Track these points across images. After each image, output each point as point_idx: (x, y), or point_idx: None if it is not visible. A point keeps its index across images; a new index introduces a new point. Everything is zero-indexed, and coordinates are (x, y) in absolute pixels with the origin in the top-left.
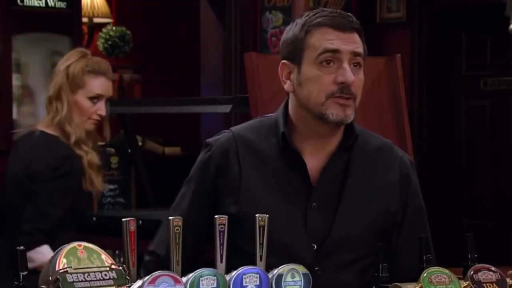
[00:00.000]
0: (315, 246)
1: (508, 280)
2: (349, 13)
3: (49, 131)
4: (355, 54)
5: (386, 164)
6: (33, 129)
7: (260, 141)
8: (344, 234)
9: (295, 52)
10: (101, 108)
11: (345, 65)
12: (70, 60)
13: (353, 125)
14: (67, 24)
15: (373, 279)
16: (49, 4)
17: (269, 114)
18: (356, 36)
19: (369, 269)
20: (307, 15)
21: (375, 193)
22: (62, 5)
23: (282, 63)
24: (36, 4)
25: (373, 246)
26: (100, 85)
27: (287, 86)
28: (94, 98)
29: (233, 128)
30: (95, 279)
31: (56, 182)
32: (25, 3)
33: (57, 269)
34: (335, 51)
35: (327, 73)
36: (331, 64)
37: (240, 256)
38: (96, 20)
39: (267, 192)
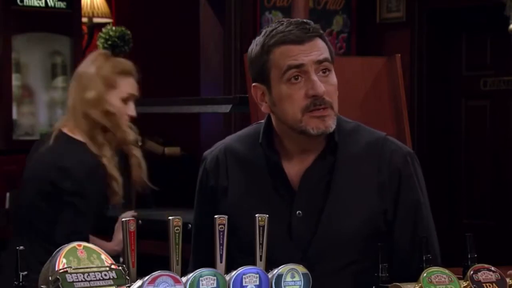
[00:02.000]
0: (301, 255)
1: (508, 280)
2: (305, 20)
3: (77, 136)
4: (320, 61)
5: (376, 161)
6: (58, 133)
7: (248, 151)
8: (329, 241)
9: (261, 74)
10: (132, 109)
11: (313, 77)
12: (97, 62)
13: (334, 131)
14: (67, 24)
15: (368, 283)
16: (49, 4)
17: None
18: (317, 43)
19: (363, 273)
20: (264, 34)
21: (362, 195)
22: (62, 5)
23: (254, 85)
24: (36, 4)
25: (364, 250)
26: (130, 84)
27: (263, 107)
28: (126, 99)
29: (227, 139)
30: (95, 279)
31: (91, 188)
32: (25, 3)
33: (57, 269)
34: (299, 66)
35: (297, 89)
36: (298, 79)
37: (230, 267)
38: (95, 20)
39: (251, 202)
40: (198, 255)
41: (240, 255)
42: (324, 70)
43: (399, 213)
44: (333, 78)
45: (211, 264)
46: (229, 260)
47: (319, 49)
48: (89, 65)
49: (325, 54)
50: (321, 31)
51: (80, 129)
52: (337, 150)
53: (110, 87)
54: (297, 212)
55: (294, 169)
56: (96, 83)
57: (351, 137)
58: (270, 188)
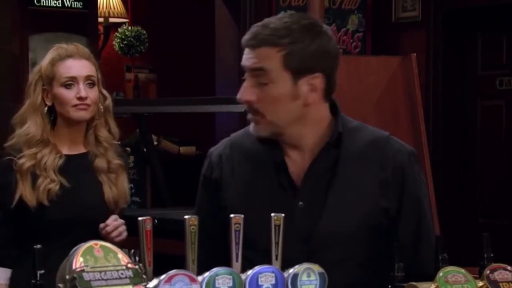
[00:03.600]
0: (300, 247)
1: None
2: (264, 24)
3: None
4: (253, 69)
5: (378, 158)
6: None
7: (253, 146)
8: (329, 233)
9: None
10: (79, 91)
11: (244, 83)
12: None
13: (338, 122)
14: (83, 24)
15: (366, 278)
16: (66, 4)
17: None
18: (259, 51)
19: (362, 268)
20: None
21: (364, 190)
22: (78, 5)
23: None
24: (52, 4)
25: (364, 244)
26: (68, 67)
27: None
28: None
29: (233, 135)
30: (111, 277)
31: None
32: (41, 3)
33: (74, 268)
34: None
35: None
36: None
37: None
38: (112, 20)
39: (255, 196)
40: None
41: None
42: (259, 83)
43: (403, 209)
44: (268, 88)
45: (213, 257)
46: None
47: (254, 57)
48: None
49: (259, 64)
50: (272, 40)
51: None
52: (341, 145)
53: (49, 79)
54: (299, 203)
55: (298, 162)
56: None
57: (355, 134)
58: (274, 182)
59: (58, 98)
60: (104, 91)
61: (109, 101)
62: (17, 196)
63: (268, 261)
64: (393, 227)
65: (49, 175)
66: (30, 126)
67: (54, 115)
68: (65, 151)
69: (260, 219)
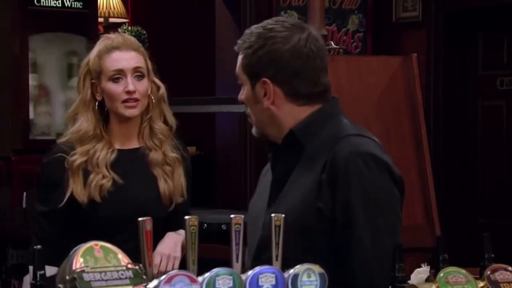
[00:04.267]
0: (256, 243)
1: None
2: (248, 32)
3: None
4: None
5: (325, 159)
6: None
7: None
8: (268, 233)
9: None
10: (128, 85)
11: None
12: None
13: (301, 122)
14: (84, 24)
15: None
16: (66, 4)
17: None
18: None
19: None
20: None
21: (304, 190)
22: (78, 5)
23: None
24: (52, 4)
25: (300, 246)
26: (114, 60)
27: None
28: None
29: None
30: (111, 278)
31: None
32: (41, 3)
33: (74, 268)
34: None
35: None
36: None
37: None
38: (112, 20)
39: (257, 197)
40: None
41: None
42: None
43: (335, 213)
44: (243, 91)
45: None
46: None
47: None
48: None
49: (236, 68)
50: (239, 45)
51: None
52: (306, 145)
53: (98, 73)
54: (271, 204)
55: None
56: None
57: (322, 136)
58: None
59: (107, 92)
60: (157, 81)
61: (162, 91)
62: (68, 194)
63: None
64: (330, 228)
65: (101, 171)
66: (82, 122)
67: (106, 109)
68: (118, 146)
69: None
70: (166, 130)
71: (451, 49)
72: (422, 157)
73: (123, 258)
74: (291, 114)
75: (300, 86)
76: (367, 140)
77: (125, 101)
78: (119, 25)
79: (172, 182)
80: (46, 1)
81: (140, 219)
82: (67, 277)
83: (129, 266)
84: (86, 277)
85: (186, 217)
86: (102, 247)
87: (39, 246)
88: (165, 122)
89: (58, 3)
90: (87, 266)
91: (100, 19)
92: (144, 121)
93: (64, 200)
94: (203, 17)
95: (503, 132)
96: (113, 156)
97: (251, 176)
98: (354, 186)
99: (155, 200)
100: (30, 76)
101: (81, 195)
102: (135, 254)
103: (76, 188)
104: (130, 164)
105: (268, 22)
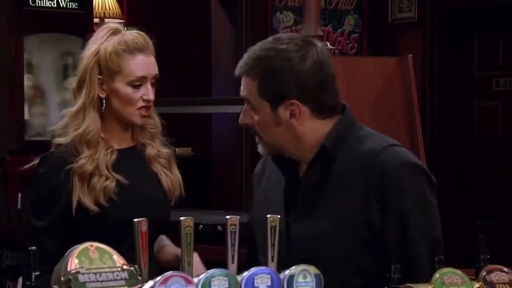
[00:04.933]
0: (285, 251)
1: None
2: (250, 50)
3: None
4: (242, 97)
5: (367, 172)
6: None
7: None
8: (309, 242)
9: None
10: (148, 93)
11: (244, 106)
12: (98, 41)
13: (328, 135)
14: (79, 24)
15: None
16: (61, 5)
17: None
18: (243, 80)
19: (344, 284)
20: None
21: (347, 204)
22: (73, 5)
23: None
24: (47, 4)
25: (345, 258)
26: (139, 65)
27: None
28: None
29: None
30: (107, 279)
31: None
32: (37, 4)
33: (69, 269)
34: None
35: None
36: None
37: None
38: (107, 20)
39: (268, 203)
40: None
41: (265, 260)
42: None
43: (387, 225)
44: (255, 114)
45: None
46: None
47: (242, 85)
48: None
49: (243, 92)
50: (247, 69)
51: None
52: (338, 156)
53: (111, 70)
54: (291, 213)
55: (300, 171)
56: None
57: (358, 144)
58: (282, 192)
59: (121, 96)
60: None
61: None
62: (74, 202)
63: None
64: (380, 240)
65: (102, 173)
66: (89, 123)
67: (103, 107)
68: (116, 145)
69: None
70: (154, 124)
71: (447, 50)
72: (418, 157)
73: (118, 259)
74: (316, 129)
75: (325, 98)
76: (405, 149)
77: (140, 108)
78: None
79: (171, 175)
80: (41, 1)
81: (135, 220)
82: (62, 278)
83: (124, 267)
84: (81, 278)
85: (181, 218)
86: (97, 248)
87: (33, 248)
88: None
89: (53, 4)
90: (82, 267)
91: (96, 20)
92: None
93: (73, 209)
94: (199, 17)
95: (499, 133)
96: (114, 156)
97: (247, 177)
98: (408, 197)
99: (162, 197)
100: (25, 76)
101: (88, 202)
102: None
103: (83, 195)
104: (131, 163)
105: (274, 43)
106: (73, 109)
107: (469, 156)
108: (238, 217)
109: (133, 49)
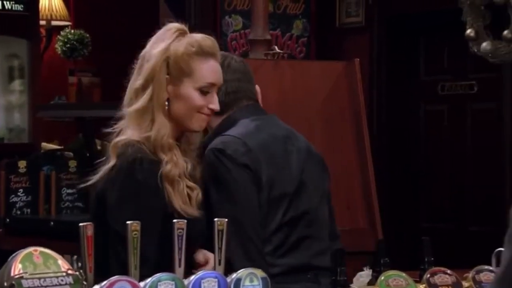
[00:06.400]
0: None
1: (464, 283)
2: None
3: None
4: None
5: None
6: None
7: None
8: None
9: None
10: (214, 102)
11: None
12: (167, 40)
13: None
14: (25, 26)
15: None
16: (6, 7)
17: None
18: None
19: None
20: None
21: None
22: (19, 7)
23: None
24: None
25: None
26: (211, 71)
27: None
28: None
29: None
30: (51, 284)
31: None
32: None
33: (12, 274)
34: None
35: None
36: None
37: None
38: (54, 23)
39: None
40: None
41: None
42: None
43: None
44: None
45: None
46: None
47: None
48: (155, 44)
49: None
50: None
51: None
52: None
53: (181, 73)
54: None
55: None
56: (151, 64)
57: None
58: None
59: (187, 100)
60: None
61: None
62: (177, 207)
63: None
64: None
65: (186, 182)
66: (161, 126)
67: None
68: None
69: None
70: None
71: (393, 55)
72: (365, 162)
73: (63, 264)
74: None
75: None
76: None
77: (202, 114)
78: (61, 28)
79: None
80: None
81: (81, 224)
82: (5, 284)
83: (69, 272)
84: (25, 283)
85: (128, 222)
86: (41, 253)
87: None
88: None
89: None
90: (25, 272)
91: (42, 22)
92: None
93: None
94: (146, 20)
95: (445, 137)
96: (189, 165)
97: None
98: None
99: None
100: None
101: (185, 209)
102: None
103: (177, 202)
104: (196, 171)
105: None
106: (135, 107)
107: (416, 160)
108: (185, 221)
109: (206, 52)
